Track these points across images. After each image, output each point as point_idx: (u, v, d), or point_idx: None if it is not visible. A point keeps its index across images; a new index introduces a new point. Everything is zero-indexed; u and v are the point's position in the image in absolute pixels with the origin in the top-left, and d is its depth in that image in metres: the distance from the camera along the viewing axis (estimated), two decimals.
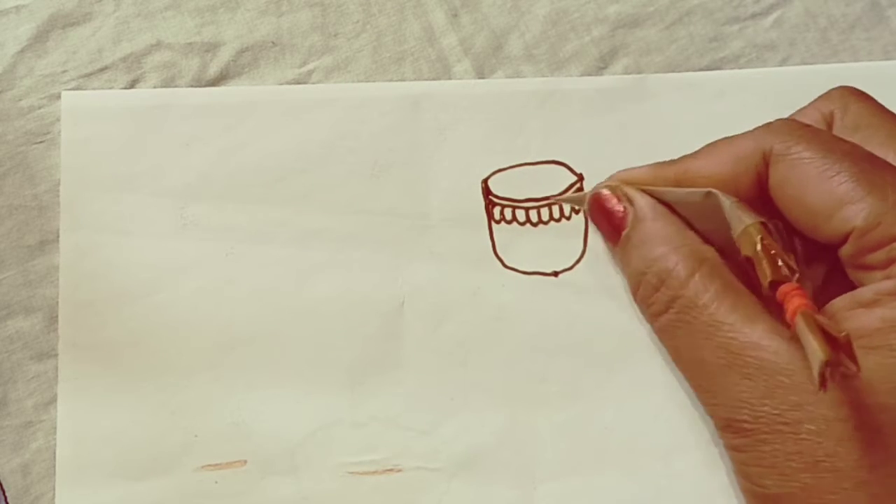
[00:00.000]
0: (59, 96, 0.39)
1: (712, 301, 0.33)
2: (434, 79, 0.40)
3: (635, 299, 0.36)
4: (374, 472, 0.37)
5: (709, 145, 0.35)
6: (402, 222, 0.38)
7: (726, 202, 0.33)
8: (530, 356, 0.38)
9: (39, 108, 0.39)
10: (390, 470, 0.37)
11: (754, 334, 0.32)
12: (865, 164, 0.32)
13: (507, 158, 0.39)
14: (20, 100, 0.39)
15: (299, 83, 0.40)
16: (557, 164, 0.39)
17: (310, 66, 0.40)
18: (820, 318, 0.29)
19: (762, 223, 0.33)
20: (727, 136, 0.35)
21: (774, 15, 0.41)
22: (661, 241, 0.35)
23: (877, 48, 0.41)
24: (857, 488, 0.30)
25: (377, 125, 0.39)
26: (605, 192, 0.37)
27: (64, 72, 0.39)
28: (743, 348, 0.32)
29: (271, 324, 0.38)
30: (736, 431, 0.32)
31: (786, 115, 0.36)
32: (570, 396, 0.37)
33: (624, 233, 0.36)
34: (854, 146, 0.33)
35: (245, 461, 0.37)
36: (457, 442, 0.37)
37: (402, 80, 0.40)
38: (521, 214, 0.39)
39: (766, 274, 0.32)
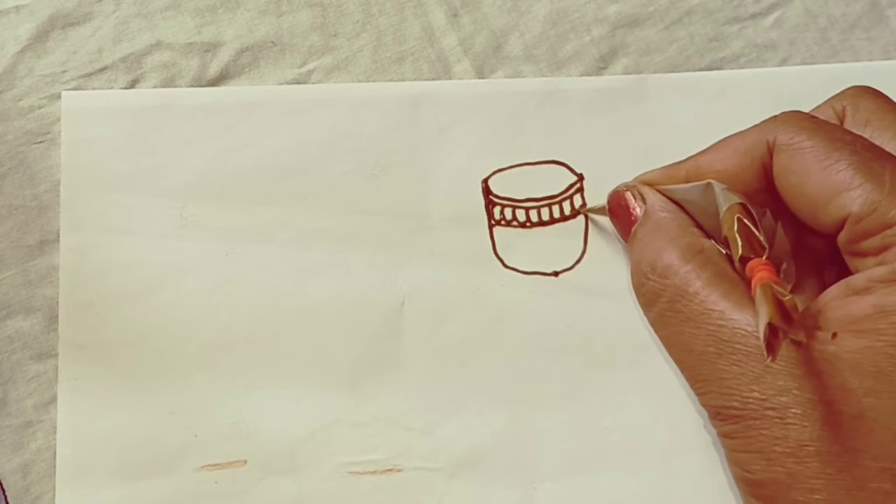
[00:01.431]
0: (59, 96, 0.39)
1: (703, 288, 0.33)
2: (434, 79, 0.40)
3: (634, 290, 0.36)
4: (374, 472, 0.37)
5: (718, 141, 0.36)
6: (402, 222, 0.38)
7: (717, 188, 0.34)
8: (530, 356, 0.38)
9: (39, 108, 0.39)
10: (390, 470, 0.37)
11: (743, 320, 0.32)
12: (866, 154, 0.32)
13: (508, 158, 0.39)
14: (20, 100, 0.39)
15: (299, 83, 0.40)
16: (557, 164, 0.39)
17: (310, 66, 0.40)
18: (777, 287, 0.29)
19: (741, 204, 0.33)
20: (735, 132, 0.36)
21: (774, 15, 0.41)
22: (662, 234, 0.35)
23: (877, 48, 0.41)
24: (840, 472, 0.30)
25: (377, 125, 0.39)
26: (623, 190, 0.37)
27: (64, 72, 0.39)
28: (732, 335, 0.32)
29: (271, 324, 0.38)
30: (726, 418, 0.32)
31: None
32: (570, 396, 0.37)
33: (633, 228, 0.36)
34: (856, 136, 0.33)
35: (245, 461, 0.37)
36: (457, 442, 0.37)
37: (402, 80, 0.40)
38: (521, 214, 0.39)
39: (737, 250, 0.32)
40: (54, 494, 0.36)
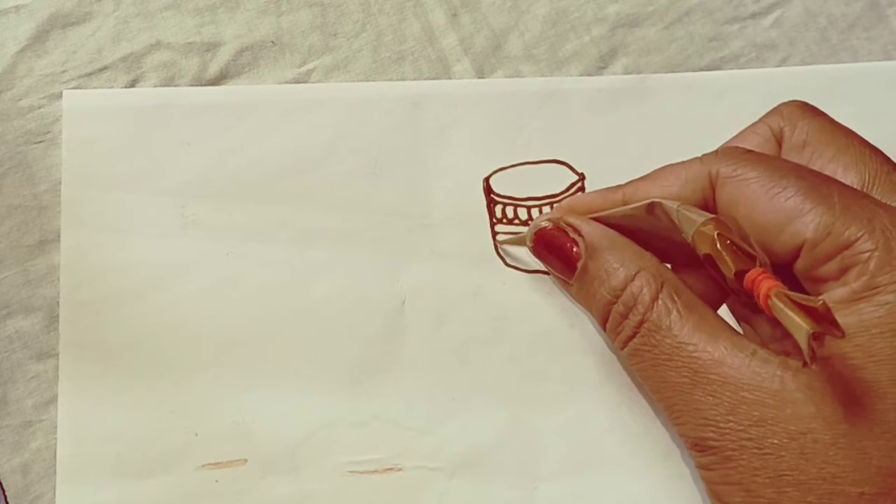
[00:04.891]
0: (58, 96, 0.39)
1: (676, 322, 0.32)
2: (434, 79, 0.40)
3: (605, 330, 0.35)
4: (375, 472, 0.37)
5: (656, 169, 0.35)
6: (402, 222, 0.38)
7: (673, 207, 0.33)
8: (530, 356, 0.38)
9: (39, 107, 0.39)
10: (390, 469, 0.37)
11: (717, 352, 0.31)
12: (812, 179, 0.32)
13: (508, 158, 0.39)
14: (20, 99, 0.39)
15: (299, 83, 0.40)
16: (559, 163, 0.39)
17: (309, 66, 0.40)
18: (793, 293, 0.29)
19: (714, 218, 0.32)
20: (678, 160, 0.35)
21: (774, 15, 0.41)
22: (622, 267, 0.34)
23: (877, 48, 0.41)
24: (820, 499, 0.30)
25: (377, 125, 0.39)
26: (548, 225, 0.36)
27: (64, 71, 0.39)
28: (706, 367, 0.31)
29: (271, 324, 0.38)
30: (703, 450, 0.32)
31: None
32: (570, 396, 0.37)
33: (579, 264, 0.35)
34: (798, 165, 0.33)
35: (245, 460, 0.37)
36: (457, 442, 0.37)
37: (402, 79, 0.40)
38: (522, 213, 0.39)
39: (729, 266, 0.31)
40: (54, 494, 0.36)
